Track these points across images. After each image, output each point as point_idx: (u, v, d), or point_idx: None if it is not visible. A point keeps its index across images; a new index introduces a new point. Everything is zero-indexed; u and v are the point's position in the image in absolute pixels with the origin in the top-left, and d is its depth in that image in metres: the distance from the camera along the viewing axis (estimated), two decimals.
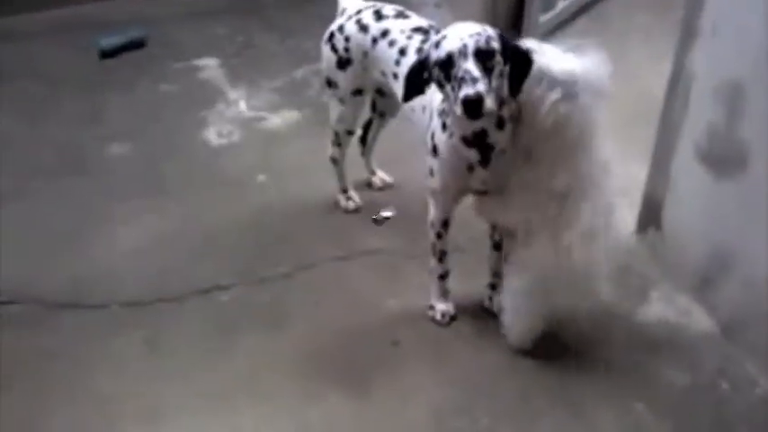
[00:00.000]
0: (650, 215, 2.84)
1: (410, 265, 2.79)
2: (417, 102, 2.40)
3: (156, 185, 3.31)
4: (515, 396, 2.34)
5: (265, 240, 2.99)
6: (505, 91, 2.12)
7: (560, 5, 4.19)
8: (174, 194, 3.25)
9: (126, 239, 3.00)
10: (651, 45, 3.96)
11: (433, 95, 2.32)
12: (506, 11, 3.96)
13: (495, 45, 2.07)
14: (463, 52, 2.04)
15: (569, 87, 2.06)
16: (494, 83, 2.05)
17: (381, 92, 2.85)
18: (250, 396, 2.37)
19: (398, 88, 2.55)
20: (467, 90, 2.00)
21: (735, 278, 2.45)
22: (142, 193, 3.26)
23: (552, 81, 2.07)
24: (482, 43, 2.05)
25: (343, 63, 2.70)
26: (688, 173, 2.61)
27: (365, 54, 2.64)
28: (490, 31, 2.09)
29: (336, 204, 3.14)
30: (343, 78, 2.74)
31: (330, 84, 2.80)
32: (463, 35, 2.06)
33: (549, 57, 2.10)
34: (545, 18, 4.09)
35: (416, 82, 2.20)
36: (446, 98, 2.16)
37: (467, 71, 2.02)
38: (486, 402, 2.31)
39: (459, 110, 2.04)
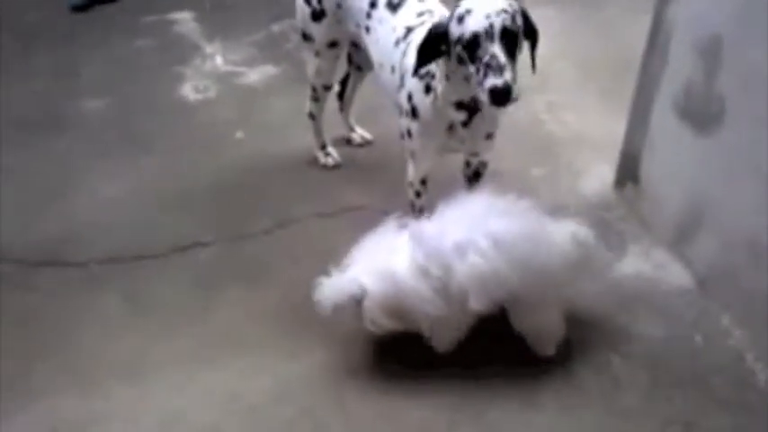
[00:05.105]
0: (628, 170, 2.85)
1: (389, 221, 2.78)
2: (386, 60, 2.37)
3: (133, 141, 3.27)
4: (486, 348, 2.34)
5: (244, 197, 2.98)
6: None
7: None
8: (152, 150, 3.22)
9: (103, 196, 2.99)
10: None
11: (404, 55, 2.29)
12: None
13: (520, 23, 2.04)
14: (489, 33, 1.99)
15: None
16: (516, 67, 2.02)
17: (357, 45, 2.82)
18: (230, 351, 2.38)
19: (370, 42, 2.53)
20: (495, 80, 1.96)
21: (711, 232, 2.48)
22: (119, 148, 3.23)
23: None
24: (509, 22, 2.00)
25: (317, 15, 2.68)
26: (666, 127, 2.62)
27: (338, 5, 2.62)
28: (516, 6, 2.05)
29: (315, 161, 3.12)
30: (317, 31, 2.72)
31: (306, 37, 2.77)
32: (489, 11, 2.00)
33: None
34: None
35: (429, 54, 2.13)
36: (467, 76, 2.09)
37: (493, 56, 1.98)
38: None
39: (484, 97, 2.00)
